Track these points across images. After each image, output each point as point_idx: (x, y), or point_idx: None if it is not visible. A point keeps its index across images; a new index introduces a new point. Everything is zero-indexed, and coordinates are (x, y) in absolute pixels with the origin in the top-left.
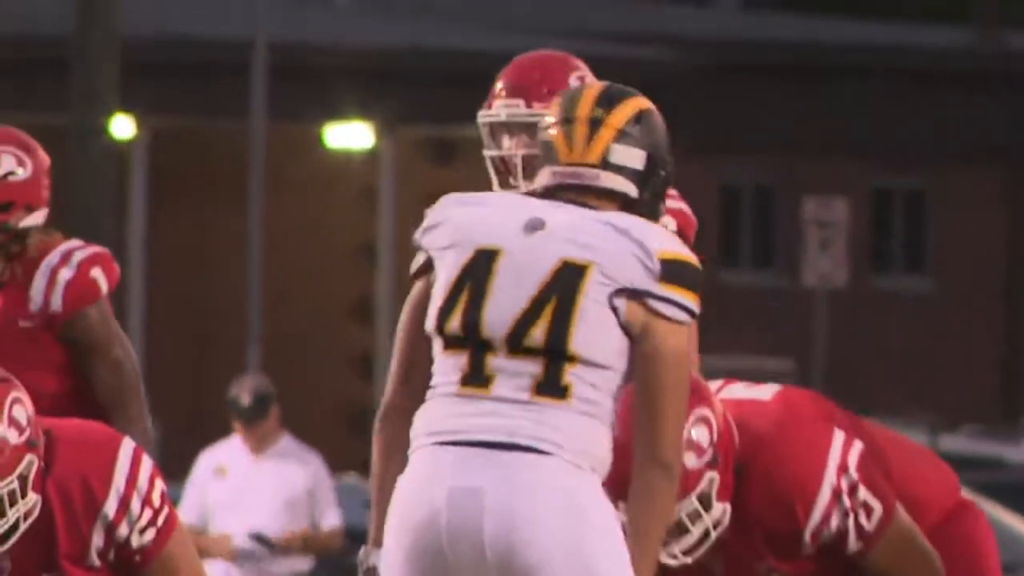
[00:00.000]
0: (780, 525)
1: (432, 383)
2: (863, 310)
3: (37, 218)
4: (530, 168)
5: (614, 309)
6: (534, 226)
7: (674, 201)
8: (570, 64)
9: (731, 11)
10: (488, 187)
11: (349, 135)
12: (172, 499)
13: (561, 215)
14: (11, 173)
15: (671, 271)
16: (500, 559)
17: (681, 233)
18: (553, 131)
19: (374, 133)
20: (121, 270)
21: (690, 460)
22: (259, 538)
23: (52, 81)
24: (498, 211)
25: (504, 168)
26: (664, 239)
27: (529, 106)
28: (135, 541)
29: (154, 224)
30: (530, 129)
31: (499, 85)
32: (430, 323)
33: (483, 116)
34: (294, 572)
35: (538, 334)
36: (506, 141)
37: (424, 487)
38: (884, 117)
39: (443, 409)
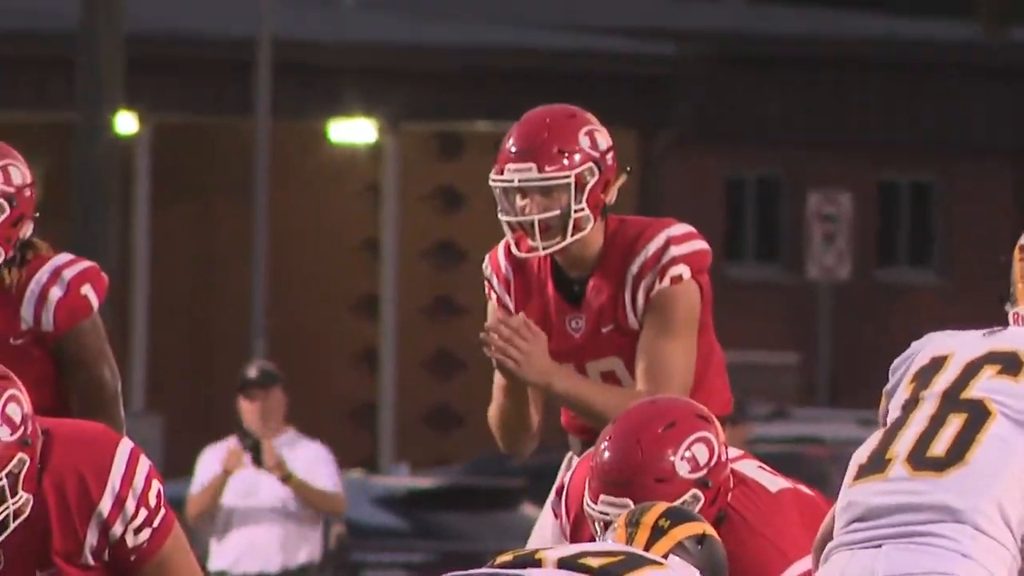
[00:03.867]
0: None
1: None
2: (868, 304)
3: (29, 228)
4: (548, 231)
5: None
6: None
7: (685, 244)
8: (579, 120)
9: (736, 4)
10: (486, 180)
11: (353, 131)
12: (173, 495)
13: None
14: (27, 185)
15: None
16: None
17: (697, 276)
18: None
19: (378, 129)
20: (125, 266)
21: (683, 470)
22: (246, 434)
23: (58, 78)
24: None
25: (521, 230)
26: None
27: (541, 169)
28: (130, 541)
29: (158, 221)
30: (544, 191)
31: (509, 146)
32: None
33: (495, 181)
34: (303, 563)
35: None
36: (519, 201)
37: None
38: (891, 111)
39: None
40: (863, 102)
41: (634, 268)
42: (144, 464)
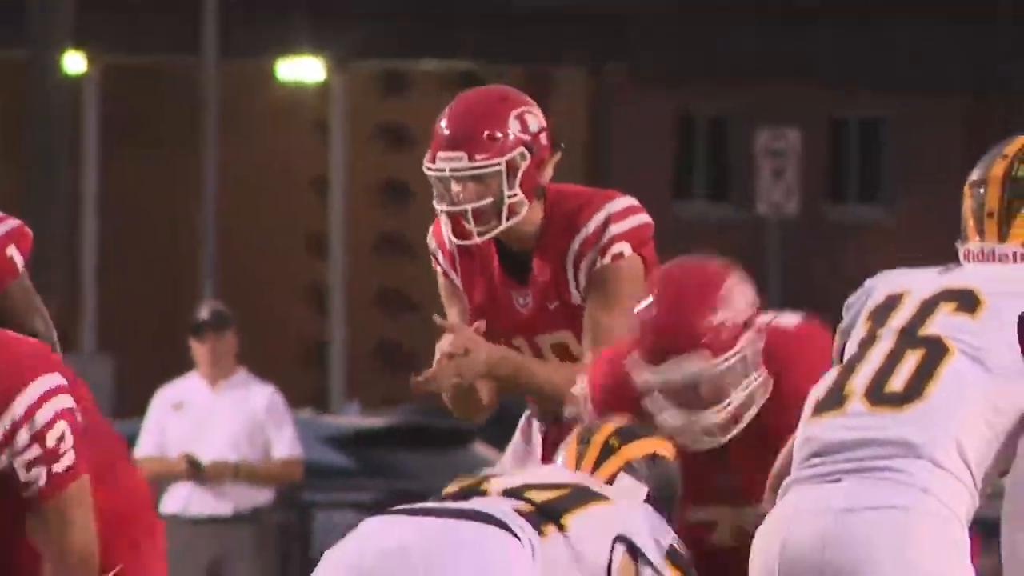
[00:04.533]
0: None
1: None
2: (818, 241)
3: None
4: (482, 217)
5: None
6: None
7: (625, 221)
8: (510, 103)
9: None
10: (433, 120)
11: (301, 69)
12: (126, 433)
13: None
14: None
15: None
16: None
17: (639, 250)
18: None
19: (326, 67)
20: (75, 205)
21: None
22: (190, 461)
23: (9, 17)
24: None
25: (456, 217)
26: None
27: (471, 158)
28: (20, 475)
29: (108, 159)
30: (476, 178)
31: (441, 129)
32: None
33: (428, 170)
34: (255, 505)
35: None
36: (454, 187)
37: None
38: (841, 47)
39: None
40: (814, 38)
41: (575, 246)
42: (58, 403)
